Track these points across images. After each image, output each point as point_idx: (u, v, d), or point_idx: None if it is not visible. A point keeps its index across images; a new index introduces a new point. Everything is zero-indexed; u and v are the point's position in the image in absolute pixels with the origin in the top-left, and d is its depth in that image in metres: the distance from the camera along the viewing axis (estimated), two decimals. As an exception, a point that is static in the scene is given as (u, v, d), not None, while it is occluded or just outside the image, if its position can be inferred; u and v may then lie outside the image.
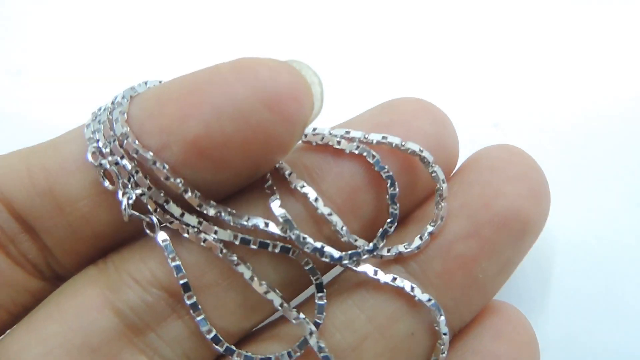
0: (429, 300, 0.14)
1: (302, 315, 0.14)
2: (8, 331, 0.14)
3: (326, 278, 0.16)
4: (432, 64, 0.21)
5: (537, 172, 0.15)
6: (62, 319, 0.14)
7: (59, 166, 0.14)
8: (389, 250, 0.15)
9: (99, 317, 0.14)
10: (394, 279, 0.14)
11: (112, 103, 0.14)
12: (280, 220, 0.14)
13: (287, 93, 0.12)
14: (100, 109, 0.14)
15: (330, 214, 0.14)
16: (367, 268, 0.15)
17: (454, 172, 0.16)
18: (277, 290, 0.14)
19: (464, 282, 0.14)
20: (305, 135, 0.15)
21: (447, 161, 0.15)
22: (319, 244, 0.14)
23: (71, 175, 0.14)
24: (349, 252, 0.14)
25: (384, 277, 0.14)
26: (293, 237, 0.14)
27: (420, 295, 0.14)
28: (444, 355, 0.14)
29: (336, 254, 0.14)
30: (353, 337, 0.14)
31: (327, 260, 0.14)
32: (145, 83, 0.15)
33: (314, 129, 0.15)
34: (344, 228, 0.14)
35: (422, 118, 0.15)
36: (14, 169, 0.14)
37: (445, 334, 0.14)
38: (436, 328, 0.14)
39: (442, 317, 0.14)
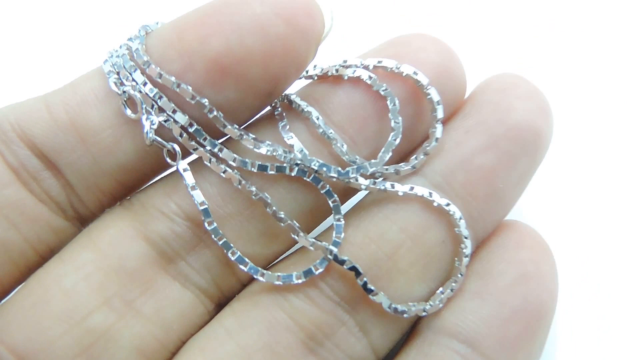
0: (448, 204, 0.15)
1: (317, 241, 0.14)
2: (39, 268, 0.14)
3: (348, 206, 0.16)
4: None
5: (540, 93, 0.16)
6: (96, 248, 0.14)
7: (80, 100, 0.14)
8: (387, 169, 0.15)
9: (132, 244, 0.14)
10: (412, 188, 0.15)
11: (129, 39, 0.15)
12: (287, 141, 0.15)
13: (301, 9, 0.13)
14: (115, 48, 0.15)
15: (331, 132, 0.15)
16: (386, 185, 0.15)
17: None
18: (295, 221, 0.15)
19: (486, 191, 0.15)
20: (307, 71, 0.16)
21: (455, 90, 0.16)
22: (324, 162, 0.15)
23: (92, 107, 0.14)
24: (355, 166, 0.15)
25: (401, 187, 0.15)
26: (299, 155, 0.14)
27: (439, 200, 0.15)
28: (467, 258, 0.15)
29: (343, 170, 0.15)
30: (388, 246, 0.15)
31: (334, 175, 0.15)
32: (157, 23, 0.16)
33: (315, 66, 0.16)
34: (344, 146, 0.15)
35: (429, 50, 0.16)
36: (33, 107, 0.14)
37: (466, 237, 0.15)
38: (457, 231, 0.15)
39: (462, 220, 0.15)
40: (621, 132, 0.21)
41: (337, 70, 0.15)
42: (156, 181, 0.15)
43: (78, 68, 0.16)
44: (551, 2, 0.23)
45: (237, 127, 0.14)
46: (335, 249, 0.14)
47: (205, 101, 0.14)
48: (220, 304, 0.15)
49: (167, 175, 0.15)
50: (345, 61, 0.16)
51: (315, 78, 0.16)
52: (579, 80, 0.22)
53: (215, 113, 0.14)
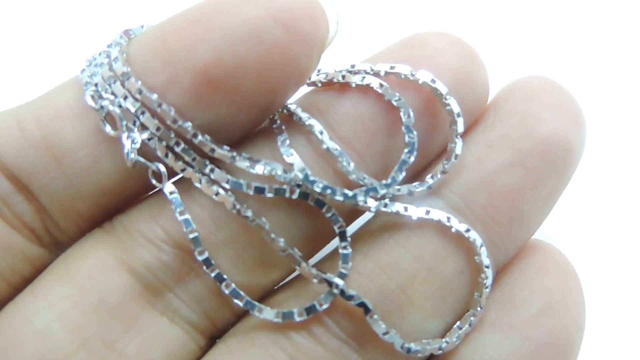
0: (467, 230, 0.13)
1: (321, 273, 0.13)
2: (10, 302, 0.13)
3: (353, 228, 0.15)
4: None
5: (573, 100, 0.14)
6: (73, 281, 0.12)
7: (54, 115, 0.12)
8: (399, 190, 0.14)
9: (113, 277, 0.12)
10: (428, 212, 0.13)
11: (109, 46, 0.13)
12: (286, 159, 0.13)
13: (301, 11, 0.12)
14: (95, 55, 0.13)
15: (336, 149, 0.13)
16: (397, 206, 0.14)
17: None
18: (296, 249, 0.13)
19: (510, 214, 0.14)
20: (309, 78, 0.14)
21: (477, 98, 0.14)
22: (328, 183, 0.13)
23: (67, 123, 0.12)
24: (364, 188, 0.13)
25: (416, 211, 0.13)
26: (300, 175, 0.13)
27: (457, 225, 0.13)
28: (487, 290, 0.13)
29: (350, 192, 0.13)
30: (400, 277, 0.13)
31: (340, 199, 0.13)
32: (142, 27, 0.14)
33: (319, 70, 0.14)
34: (352, 164, 0.13)
35: (448, 53, 0.14)
36: (2, 122, 0.13)
37: (487, 267, 0.13)
38: (477, 260, 0.13)
39: (483, 248, 0.13)
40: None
41: (343, 77, 0.14)
42: (141, 201, 0.14)
43: (56, 75, 0.15)
44: None
45: (227, 149, 0.13)
46: (341, 283, 0.13)
47: (189, 125, 0.12)
48: (213, 338, 0.14)
49: (153, 194, 0.14)
50: (353, 66, 0.14)
51: (319, 85, 0.14)
52: (613, 82, 0.20)
53: (200, 138, 0.12)
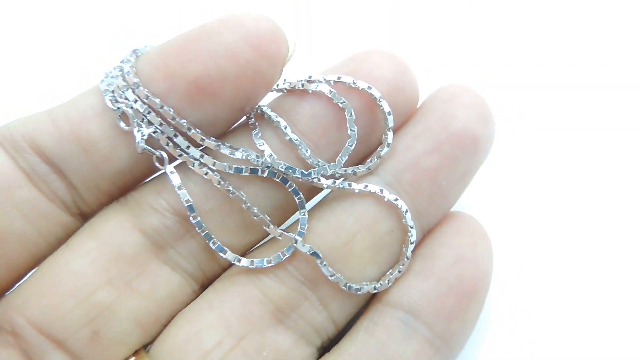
0: (396, 199, 0.17)
1: (285, 232, 0.17)
2: (50, 256, 0.17)
3: (313, 203, 0.19)
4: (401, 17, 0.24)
5: (483, 102, 0.18)
6: (98, 238, 0.16)
7: (81, 114, 0.16)
8: (345, 170, 0.18)
9: (129, 235, 0.16)
10: (366, 186, 0.17)
11: (121, 62, 0.17)
12: (259, 147, 0.17)
13: (267, 36, 0.16)
14: (110, 69, 0.17)
15: (296, 139, 0.17)
16: (343, 183, 0.18)
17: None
18: (266, 215, 0.17)
19: (431, 188, 0.17)
20: (277, 85, 0.18)
21: (407, 101, 0.18)
22: (290, 165, 0.17)
23: (91, 121, 0.16)
24: (316, 168, 0.17)
25: (357, 186, 0.17)
26: (269, 159, 0.17)
27: (388, 195, 0.17)
28: (412, 245, 0.17)
29: (306, 171, 0.17)
30: (345, 234, 0.17)
31: (298, 176, 0.17)
32: (145, 47, 0.18)
33: (284, 80, 0.18)
34: (308, 151, 0.17)
35: (383, 67, 0.18)
36: (41, 120, 0.16)
37: (412, 227, 0.17)
38: (404, 222, 0.17)
39: (408, 213, 0.17)
40: (560, 128, 0.23)
41: (302, 85, 0.18)
42: (148, 181, 0.18)
43: (76, 85, 0.18)
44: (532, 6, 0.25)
45: (214, 139, 0.17)
46: (299, 238, 0.17)
47: (184, 122, 0.16)
48: (204, 285, 0.18)
49: (157, 176, 0.18)
50: (310, 76, 0.18)
51: (285, 91, 0.18)
52: (527, 83, 0.24)
53: (193, 131, 0.16)
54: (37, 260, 0.17)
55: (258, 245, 0.18)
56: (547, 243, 0.22)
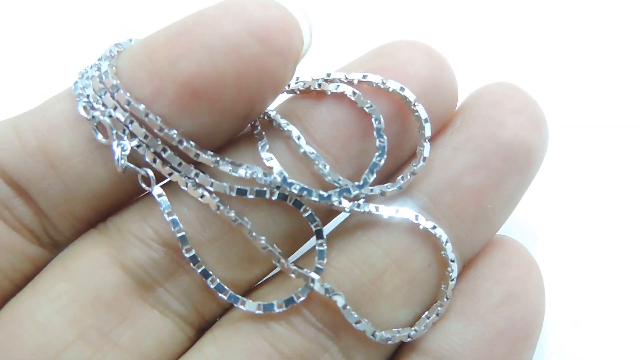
0: (434, 227, 0.14)
1: (299, 268, 0.14)
2: (12, 298, 0.14)
3: (331, 226, 0.16)
4: (434, 5, 0.21)
5: (535, 105, 0.15)
6: (70, 278, 0.13)
7: (49, 125, 0.13)
8: (372, 190, 0.15)
9: (108, 273, 0.13)
10: (397, 211, 0.14)
11: (99, 59, 0.14)
12: (266, 162, 0.14)
13: (276, 26, 0.13)
14: (87, 67, 0.14)
15: (312, 152, 0.14)
16: (369, 206, 0.15)
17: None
18: (276, 246, 0.14)
19: (474, 212, 0.15)
20: (289, 85, 0.15)
21: (446, 104, 0.15)
22: (305, 185, 0.14)
23: (62, 132, 0.13)
24: (337, 189, 0.14)
25: (387, 210, 0.14)
26: (279, 178, 0.14)
27: (424, 223, 0.14)
28: (453, 282, 0.14)
29: (325, 193, 0.14)
30: (372, 271, 0.14)
31: (315, 199, 0.14)
32: (130, 40, 0.15)
33: (297, 78, 0.15)
34: (327, 166, 0.14)
35: (418, 62, 0.15)
36: (2, 132, 0.14)
37: (452, 261, 0.14)
38: (443, 255, 0.14)
39: (449, 244, 0.14)
40: (614, 142, 0.20)
41: (319, 85, 0.15)
42: (133, 203, 0.15)
43: (52, 84, 0.16)
44: (551, 3, 0.22)
45: (211, 154, 0.14)
46: (317, 277, 0.14)
47: (174, 133, 0.13)
48: (201, 329, 0.15)
49: (143, 197, 0.15)
50: (328, 75, 0.15)
51: (298, 92, 0.15)
52: (580, 86, 0.21)
53: (185, 144, 0.13)
54: (1, 303, 0.14)
55: (265, 278, 0.16)
56: (599, 269, 0.19)
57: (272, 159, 0.14)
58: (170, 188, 0.14)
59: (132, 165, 0.13)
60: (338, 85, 0.15)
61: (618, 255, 0.19)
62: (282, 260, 0.14)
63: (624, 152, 0.20)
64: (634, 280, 0.18)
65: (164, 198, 0.14)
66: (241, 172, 0.14)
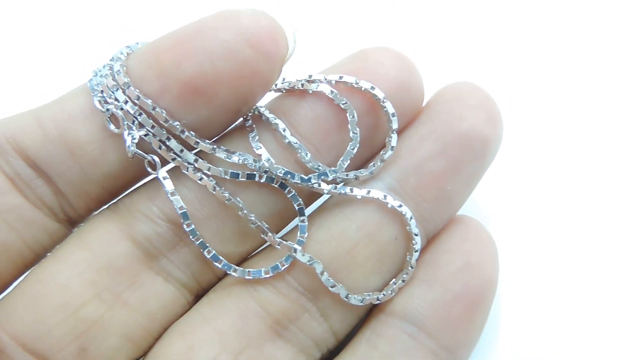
0: (400, 205, 0.17)
1: (284, 240, 0.16)
2: (36, 265, 0.16)
3: (313, 208, 0.18)
4: (408, 15, 0.23)
5: (492, 101, 0.17)
6: (87, 247, 0.15)
7: (68, 116, 0.15)
8: (347, 175, 0.17)
9: (119, 244, 0.16)
10: (368, 191, 0.17)
11: (111, 60, 0.16)
12: (256, 151, 0.16)
13: (266, 34, 0.15)
14: (99, 67, 0.16)
15: (296, 143, 0.16)
16: (345, 189, 0.17)
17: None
18: (264, 222, 0.16)
19: (436, 194, 0.17)
20: (276, 85, 0.17)
21: (412, 101, 0.17)
22: (289, 170, 0.16)
23: (80, 122, 0.15)
24: (316, 173, 0.16)
25: (359, 191, 0.17)
26: (267, 164, 0.16)
27: (392, 202, 0.17)
28: (417, 253, 0.17)
29: (305, 176, 0.16)
30: (347, 243, 0.16)
31: (297, 182, 0.16)
32: (137, 43, 0.17)
33: (283, 79, 0.17)
34: (308, 154, 0.16)
35: (387, 65, 0.17)
36: (26, 122, 0.16)
37: (416, 235, 0.17)
38: (408, 229, 0.17)
39: (413, 220, 0.17)
40: (567, 128, 0.23)
41: (302, 85, 0.17)
42: (140, 186, 0.17)
43: (64, 82, 0.18)
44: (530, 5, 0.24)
45: (209, 142, 0.16)
46: (299, 247, 0.16)
47: (177, 124, 0.15)
48: (199, 295, 0.17)
49: (150, 180, 0.17)
50: (310, 76, 0.17)
51: (284, 91, 0.18)
52: (533, 82, 0.23)
53: (187, 133, 0.15)
54: (22, 270, 0.16)
55: (255, 253, 0.18)
56: (552, 246, 0.21)
57: (261, 147, 0.16)
58: (173, 172, 0.16)
59: (140, 152, 0.15)
60: (318, 85, 0.17)
61: (564, 231, 0.21)
62: (270, 234, 0.16)
63: (568, 141, 0.23)
64: (577, 252, 0.21)
65: (168, 180, 0.16)
66: (234, 158, 0.16)
